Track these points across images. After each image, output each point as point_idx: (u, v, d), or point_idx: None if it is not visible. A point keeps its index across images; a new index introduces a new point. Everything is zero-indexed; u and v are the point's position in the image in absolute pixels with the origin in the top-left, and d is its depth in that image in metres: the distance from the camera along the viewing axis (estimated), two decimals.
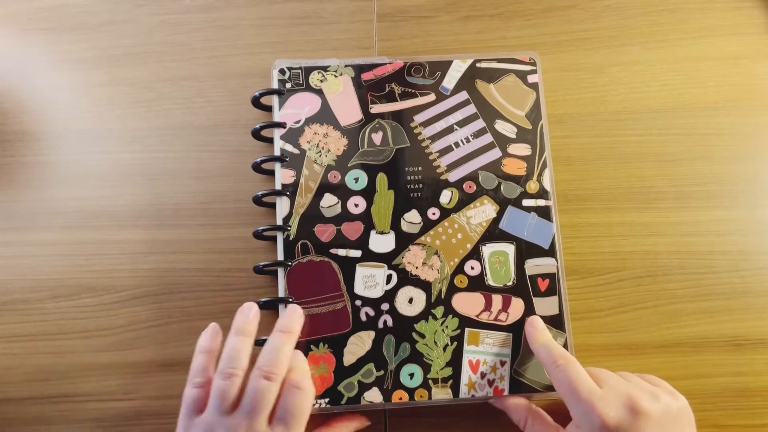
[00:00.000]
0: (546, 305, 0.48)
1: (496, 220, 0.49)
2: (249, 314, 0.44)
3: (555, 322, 0.48)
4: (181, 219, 0.53)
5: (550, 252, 0.49)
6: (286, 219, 0.49)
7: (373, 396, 0.46)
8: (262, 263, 0.48)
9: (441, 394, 0.47)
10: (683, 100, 0.55)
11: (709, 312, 0.51)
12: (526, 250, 0.49)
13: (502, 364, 0.47)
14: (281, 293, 0.48)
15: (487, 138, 0.51)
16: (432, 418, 0.49)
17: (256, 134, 0.51)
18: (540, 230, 0.49)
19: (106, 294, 0.51)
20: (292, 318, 0.45)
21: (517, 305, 0.48)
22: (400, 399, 0.46)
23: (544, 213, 0.50)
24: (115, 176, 0.54)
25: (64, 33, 0.57)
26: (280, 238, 0.49)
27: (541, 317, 0.48)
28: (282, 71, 0.52)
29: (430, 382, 0.47)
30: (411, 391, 0.46)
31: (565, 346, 0.47)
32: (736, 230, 0.52)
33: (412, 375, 0.47)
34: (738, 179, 0.53)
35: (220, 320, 0.50)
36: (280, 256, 0.49)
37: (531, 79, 0.52)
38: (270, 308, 0.49)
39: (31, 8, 0.57)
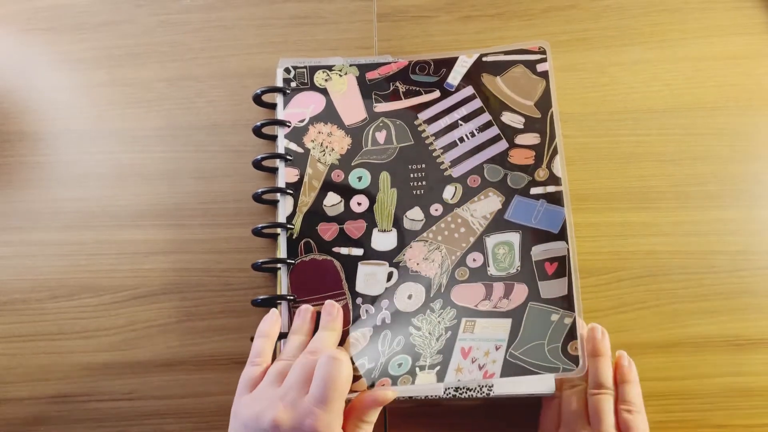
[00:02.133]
0: (552, 288, 0.48)
1: (501, 211, 0.49)
2: (306, 316, 0.47)
3: (562, 303, 0.47)
4: (181, 219, 0.53)
5: (561, 236, 0.49)
6: (290, 217, 0.49)
7: (359, 385, 0.45)
8: (261, 260, 0.48)
9: (426, 379, 0.46)
10: (683, 100, 0.55)
11: (709, 312, 0.51)
12: (534, 237, 0.49)
13: (497, 348, 0.47)
14: (283, 290, 0.48)
15: (493, 131, 0.51)
16: (432, 417, 0.49)
17: (258, 131, 0.51)
18: (549, 216, 0.49)
19: (106, 294, 0.51)
20: (331, 314, 0.46)
21: (520, 290, 0.48)
22: (383, 385, 0.45)
23: (555, 199, 0.49)
24: (115, 176, 0.54)
25: (64, 33, 0.57)
26: (283, 236, 0.49)
27: (547, 300, 0.47)
28: (287, 70, 0.52)
29: (417, 369, 0.46)
30: (395, 379, 0.46)
31: (574, 325, 0.46)
32: (736, 230, 0.52)
33: (400, 364, 0.46)
34: (738, 179, 0.53)
35: (219, 320, 0.51)
36: (283, 254, 0.49)
37: (540, 67, 0.52)
38: (269, 306, 0.48)
39: (31, 8, 0.57)
